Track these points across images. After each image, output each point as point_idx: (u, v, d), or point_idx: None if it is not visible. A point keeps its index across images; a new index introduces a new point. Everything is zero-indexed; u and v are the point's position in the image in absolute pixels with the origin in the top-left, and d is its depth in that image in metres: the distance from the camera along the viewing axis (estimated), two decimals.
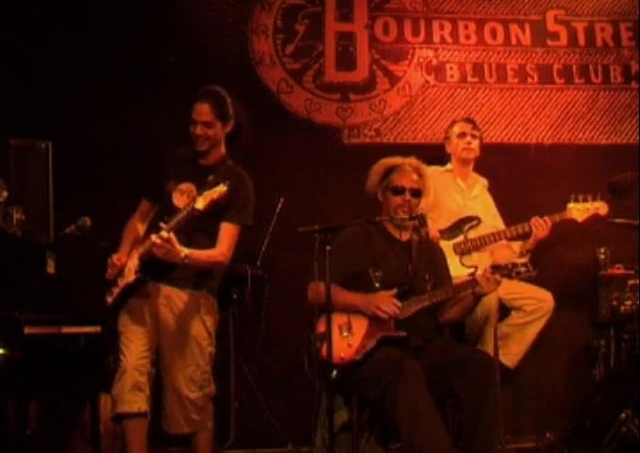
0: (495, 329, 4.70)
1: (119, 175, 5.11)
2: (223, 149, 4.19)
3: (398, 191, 4.20)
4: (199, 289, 4.12)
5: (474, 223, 4.89)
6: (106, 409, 4.52)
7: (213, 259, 4.06)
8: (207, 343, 4.14)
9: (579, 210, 4.96)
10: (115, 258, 4.13)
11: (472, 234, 4.91)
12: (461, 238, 4.84)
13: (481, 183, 5.21)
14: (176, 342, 4.08)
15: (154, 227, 4.09)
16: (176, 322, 4.08)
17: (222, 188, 3.74)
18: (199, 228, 4.03)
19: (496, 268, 4.04)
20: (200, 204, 3.73)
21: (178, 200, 4.12)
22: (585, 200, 4.96)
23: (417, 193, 4.20)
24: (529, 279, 4.18)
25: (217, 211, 4.00)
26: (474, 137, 5.11)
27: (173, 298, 4.09)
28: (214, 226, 4.07)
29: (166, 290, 4.10)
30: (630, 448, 4.40)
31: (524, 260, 4.96)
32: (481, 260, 4.91)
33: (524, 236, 4.99)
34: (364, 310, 4.07)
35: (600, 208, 4.97)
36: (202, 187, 3.96)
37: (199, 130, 4.08)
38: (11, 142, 4.92)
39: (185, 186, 4.13)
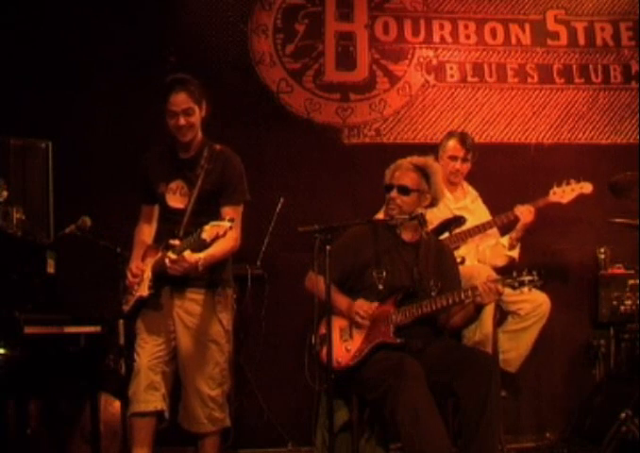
0: (494, 331, 4.70)
1: (119, 175, 5.11)
2: (200, 135, 4.17)
3: (387, 188, 4.17)
4: (214, 286, 4.13)
5: (459, 222, 4.87)
6: (106, 409, 4.54)
7: (228, 248, 4.06)
8: (224, 341, 4.15)
9: (563, 192, 4.98)
10: (134, 267, 4.13)
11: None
12: (446, 235, 4.84)
13: (472, 195, 5.19)
14: (194, 342, 4.09)
15: (162, 234, 4.14)
16: (193, 322, 4.09)
17: (226, 224, 3.75)
18: (201, 212, 4.04)
19: (499, 279, 3.98)
20: (207, 234, 3.74)
21: (172, 200, 4.15)
22: (569, 184, 4.98)
23: (405, 191, 4.11)
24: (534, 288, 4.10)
25: (214, 195, 4.06)
26: (464, 161, 5.07)
27: (188, 299, 4.10)
28: (215, 206, 4.08)
29: (181, 291, 4.10)
30: (630, 448, 4.40)
31: (514, 253, 4.99)
32: (468, 253, 4.94)
33: (509, 225, 5.00)
34: (348, 316, 4.08)
35: (584, 187, 4.99)
36: (192, 182, 4.05)
37: (182, 120, 4.04)
38: (11, 141, 4.92)
39: (175, 184, 4.15)
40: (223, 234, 3.75)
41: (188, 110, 4.05)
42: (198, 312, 4.09)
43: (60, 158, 5.06)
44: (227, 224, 3.75)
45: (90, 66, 5.42)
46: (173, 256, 3.92)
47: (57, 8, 5.44)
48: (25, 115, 5.26)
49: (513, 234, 4.97)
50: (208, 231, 3.73)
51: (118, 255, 4.23)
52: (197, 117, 4.09)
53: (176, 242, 3.94)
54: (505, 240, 5.02)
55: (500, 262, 5.01)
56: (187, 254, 3.90)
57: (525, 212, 4.90)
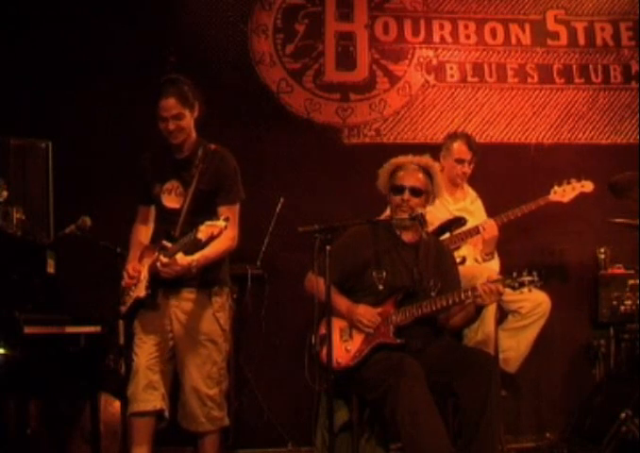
0: (496, 331, 4.69)
1: (119, 175, 5.11)
2: (194, 135, 4.17)
3: (398, 190, 4.15)
4: (210, 286, 4.13)
5: (460, 223, 4.87)
6: (106, 409, 4.54)
7: (224, 248, 4.07)
8: (222, 340, 4.16)
9: (564, 191, 4.99)
10: (130, 268, 4.14)
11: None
12: (447, 235, 4.84)
13: (472, 196, 5.19)
14: (191, 341, 4.10)
15: (159, 233, 4.15)
16: (190, 322, 4.10)
17: (221, 223, 3.75)
18: (197, 212, 4.03)
19: (499, 279, 3.97)
20: (202, 234, 3.75)
21: (168, 201, 4.16)
22: (569, 183, 4.99)
23: (418, 193, 4.12)
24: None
25: (209, 195, 4.06)
26: (470, 163, 5.08)
27: (184, 299, 4.11)
28: (211, 206, 4.08)
29: (177, 291, 4.11)
30: (630, 448, 4.40)
31: (494, 264, 4.95)
32: (469, 253, 4.93)
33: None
34: (348, 319, 4.08)
35: (585, 186, 5.00)
36: (187, 182, 4.06)
37: (172, 125, 4.05)
38: (11, 141, 4.93)
39: (170, 185, 4.16)
40: (218, 234, 3.75)
41: (178, 115, 4.05)
42: (195, 312, 4.10)
43: (60, 158, 5.06)
44: (222, 223, 3.75)
45: (90, 66, 5.42)
46: (164, 259, 3.93)
47: (57, 8, 5.44)
48: (25, 115, 5.26)
49: (482, 249, 4.95)
50: (203, 231, 3.74)
51: (118, 255, 4.22)
52: (188, 120, 4.10)
53: (169, 244, 3.95)
54: (477, 254, 5.00)
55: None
56: (179, 257, 3.91)
57: (488, 228, 4.88)
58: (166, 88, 4.05)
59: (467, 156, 5.05)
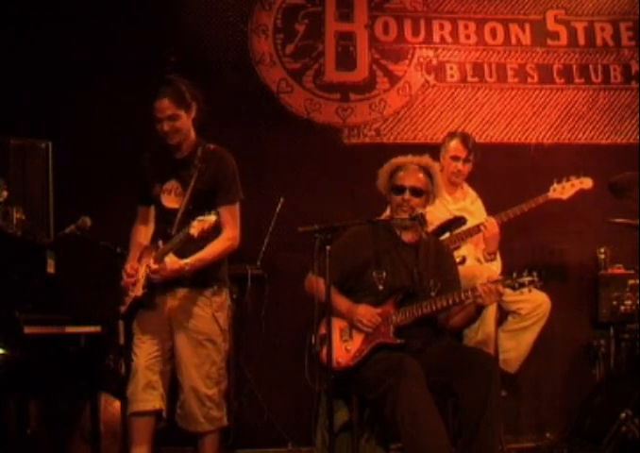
0: (496, 331, 4.69)
1: (119, 175, 5.11)
2: (193, 135, 4.17)
3: (399, 190, 4.16)
4: (209, 286, 4.14)
5: (460, 223, 4.88)
6: (106, 409, 4.54)
7: (221, 249, 4.08)
8: (221, 340, 4.16)
9: (563, 188, 5.00)
10: (129, 267, 4.14)
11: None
12: (447, 235, 4.84)
13: (472, 196, 5.18)
14: (190, 341, 4.10)
15: (159, 233, 4.16)
16: (189, 321, 4.10)
17: (212, 217, 3.77)
18: (195, 212, 4.02)
19: (499, 280, 3.96)
20: (194, 230, 3.77)
21: (167, 201, 4.17)
22: (569, 180, 5.00)
23: (418, 193, 4.13)
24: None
25: (208, 195, 4.07)
26: (466, 161, 5.07)
27: (183, 299, 4.11)
28: (210, 204, 4.07)
29: (176, 291, 4.11)
30: (630, 448, 4.40)
31: (495, 266, 4.94)
32: (469, 253, 4.94)
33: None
34: (348, 319, 4.08)
35: (584, 182, 5.01)
36: (186, 182, 4.06)
37: (166, 126, 4.06)
38: (11, 141, 4.93)
39: (170, 185, 4.17)
40: (209, 228, 3.77)
41: (172, 117, 4.05)
42: (194, 311, 4.11)
43: (60, 158, 5.06)
44: (212, 217, 3.77)
45: (90, 66, 5.42)
46: (154, 266, 3.96)
47: (57, 8, 5.44)
48: (25, 115, 5.26)
49: (485, 248, 4.95)
50: (195, 227, 3.76)
51: (118, 255, 4.22)
52: (184, 121, 4.09)
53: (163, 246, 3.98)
54: (479, 254, 4.99)
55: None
56: (170, 261, 3.93)
57: (489, 226, 4.88)
58: (161, 88, 4.06)
59: (462, 154, 5.05)
